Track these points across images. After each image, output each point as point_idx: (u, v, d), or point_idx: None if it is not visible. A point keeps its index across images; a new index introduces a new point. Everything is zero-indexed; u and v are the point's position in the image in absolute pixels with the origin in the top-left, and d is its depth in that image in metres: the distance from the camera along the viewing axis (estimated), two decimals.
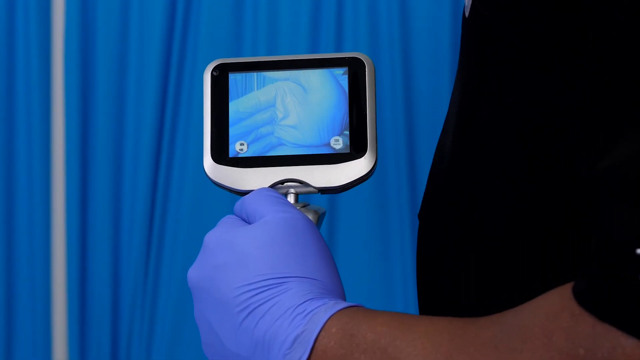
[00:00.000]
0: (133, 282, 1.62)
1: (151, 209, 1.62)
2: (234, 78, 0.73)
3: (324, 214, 0.70)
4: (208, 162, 0.72)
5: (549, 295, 0.49)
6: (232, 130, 0.72)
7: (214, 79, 0.73)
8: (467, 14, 0.65)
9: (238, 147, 0.72)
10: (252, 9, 1.59)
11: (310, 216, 0.67)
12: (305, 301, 0.58)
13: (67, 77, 1.63)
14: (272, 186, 0.70)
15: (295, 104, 0.72)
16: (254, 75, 0.73)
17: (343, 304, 0.58)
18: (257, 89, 0.72)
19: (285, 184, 0.70)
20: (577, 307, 0.46)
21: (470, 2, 0.63)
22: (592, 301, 0.45)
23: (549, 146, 0.57)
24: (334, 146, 0.71)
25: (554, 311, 0.47)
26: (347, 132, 0.71)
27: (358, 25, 1.55)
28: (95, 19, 1.63)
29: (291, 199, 0.70)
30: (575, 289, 0.47)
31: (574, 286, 0.47)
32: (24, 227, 1.65)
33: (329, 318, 0.57)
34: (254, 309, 0.59)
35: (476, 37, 0.62)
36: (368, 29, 1.55)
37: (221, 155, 0.71)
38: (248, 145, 0.72)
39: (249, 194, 0.67)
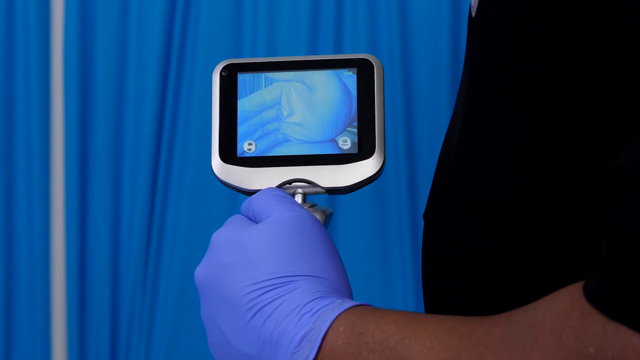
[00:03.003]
0: (132, 282, 1.62)
1: (150, 208, 1.62)
2: (242, 78, 0.73)
3: (331, 214, 0.70)
4: (216, 161, 0.72)
5: (560, 293, 0.49)
6: (240, 130, 0.72)
7: (222, 79, 0.73)
8: (473, 14, 0.65)
9: (246, 147, 0.72)
10: (251, 9, 1.59)
11: (318, 216, 0.67)
12: (313, 300, 0.58)
13: (67, 77, 1.63)
14: (280, 186, 0.70)
15: (300, 102, 0.72)
16: (262, 75, 0.73)
17: (351, 303, 0.58)
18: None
19: (293, 184, 0.70)
20: (587, 306, 0.46)
21: (477, 2, 0.63)
22: (603, 300, 0.45)
23: (560, 145, 0.58)
24: (342, 146, 0.71)
25: (565, 310, 0.47)
26: (354, 131, 0.71)
27: (357, 25, 1.55)
28: (94, 19, 1.63)
29: (299, 199, 0.70)
30: (586, 288, 0.47)
31: (584, 285, 0.47)
32: (23, 227, 1.64)
33: (337, 317, 0.57)
34: (262, 307, 0.59)
35: (484, 36, 0.62)
36: (367, 30, 1.55)
37: (229, 154, 0.72)
38: (256, 144, 0.72)
39: (256, 193, 0.67)
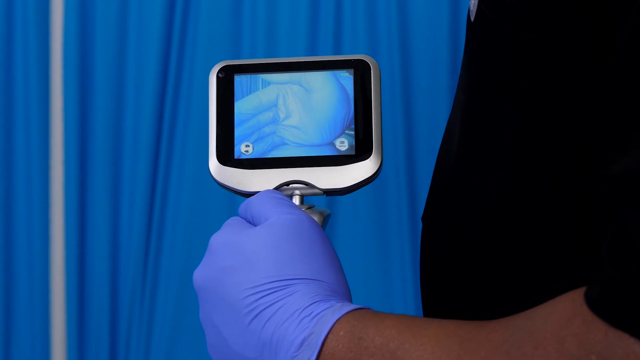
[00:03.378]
0: (132, 281, 1.62)
1: (150, 208, 1.62)
2: (239, 80, 0.73)
3: (329, 215, 0.70)
4: (213, 163, 0.72)
5: (561, 299, 0.49)
6: (237, 132, 0.72)
7: (219, 81, 0.73)
8: (472, 18, 0.65)
9: (243, 149, 0.72)
10: (250, 9, 1.59)
11: (316, 218, 0.67)
12: (313, 303, 0.58)
13: (66, 77, 1.63)
14: (278, 188, 0.70)
15: (297, 105, 0.72)
16: (259, 77, 0.73)
17: (350, 306, 0.58)
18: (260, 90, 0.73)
19: (291, 185, 0.70)
20: (589, 313, 0.46)
21: (476, 6, 0.63)
22: (604, 307, 0.45)
23: (559, 143, 0.57)
24: (339, 148, 0.71)
25: (566, 316, 0.47)
26: (352, 133, 0.71)
27: (357, 25, 1.55)
28: (94, 19, 1.63)
29: (296, 200, 0.70)
30: (587, 294, 0.47)
31: (586, 291, 0.47)
32: (23, 227, 1.64)
33: (337, 321, 0.57)
34: (261, 311, 0.59)
35: (483, 40, 0.62)
36: (367, 29, 1.55)
37: (226, 156, 0.71)
38: (253, 146, 0.72)
39: (254, 195, 0.67)
